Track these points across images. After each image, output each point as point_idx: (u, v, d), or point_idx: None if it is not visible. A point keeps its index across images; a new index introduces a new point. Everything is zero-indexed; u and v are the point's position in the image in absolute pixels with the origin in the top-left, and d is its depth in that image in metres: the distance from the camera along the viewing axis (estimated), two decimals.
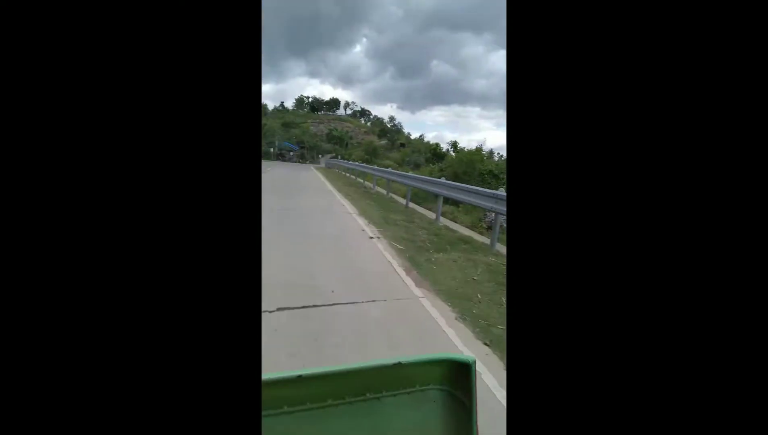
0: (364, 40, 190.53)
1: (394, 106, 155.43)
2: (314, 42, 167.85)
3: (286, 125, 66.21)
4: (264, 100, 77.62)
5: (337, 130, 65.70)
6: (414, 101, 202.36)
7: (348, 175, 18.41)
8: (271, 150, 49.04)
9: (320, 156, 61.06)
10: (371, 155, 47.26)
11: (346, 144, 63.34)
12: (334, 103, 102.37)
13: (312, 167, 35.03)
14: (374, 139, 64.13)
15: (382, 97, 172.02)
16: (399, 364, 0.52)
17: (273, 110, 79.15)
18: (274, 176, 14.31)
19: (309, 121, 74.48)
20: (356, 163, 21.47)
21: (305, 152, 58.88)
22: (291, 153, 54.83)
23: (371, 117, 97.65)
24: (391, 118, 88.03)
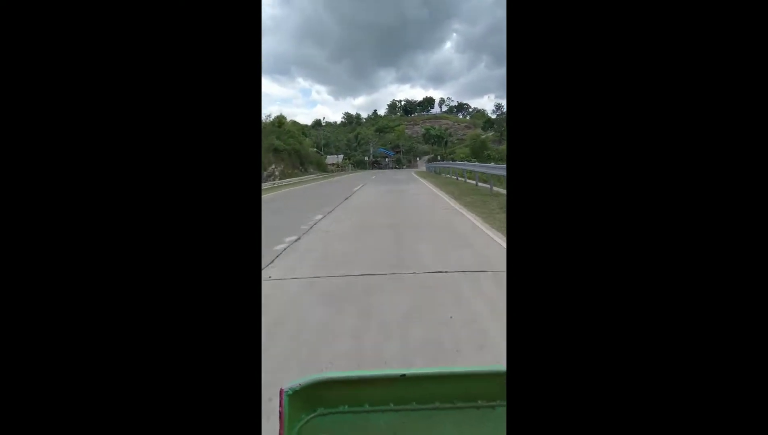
0: (454, 35, 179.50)
1: (492, 96, 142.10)
2: (402, 48, 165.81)
3: (380, 130, 62.37)
4: (357, 111, 76.76)
5: (434, 128, 59.16)
6: None
7: (451, 176, 15.80)
8: (366, 158, 44.93)
9: (418, 159, 56.29)
10: (479, 150, 38.95)
11: (446, 142, 56.35)
12: (428, 102, 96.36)
13: (412, 172, 29.16)
14: (478, 132, 55.24)
15: (478, 90, 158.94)
16: None
17: (366, 119, 77.59)
18: (368, 199, 8.95)
19: (403, 124, 69.70)
20: (458, 162, 19.66)
21: (401, 156, 54.38)
22: (387, 159, 50.45)
23: (470, 110, 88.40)
24: (498, 107, 76.93)
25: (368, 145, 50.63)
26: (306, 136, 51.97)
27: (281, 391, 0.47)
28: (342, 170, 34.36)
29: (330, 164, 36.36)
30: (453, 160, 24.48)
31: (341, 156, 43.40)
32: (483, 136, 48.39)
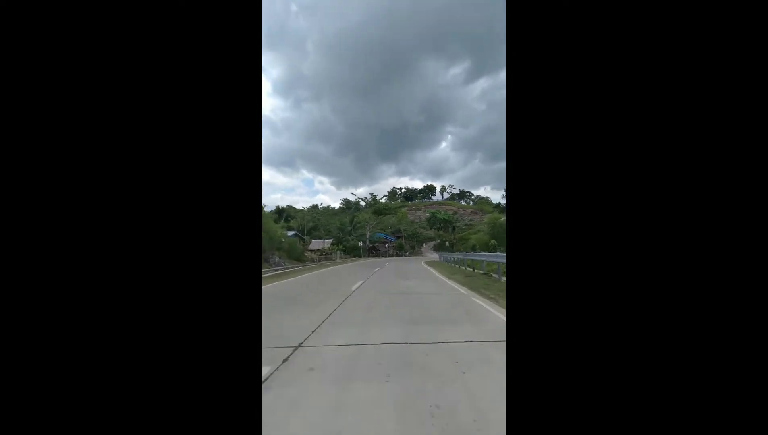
0: (449, 136, 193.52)
1: (489, 187, 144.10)
2: (402, 146, 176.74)
3: (378, 212, 55.89)
4: (357, 198, 72.66)
5: (440, 212, 52.92)
6: None
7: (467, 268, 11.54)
8: (360, 243, 36.77)
9: (423, 245, 49.50)
10: (501, 234, 31.30)
11: (453, 228, 49.72)
12: (429, 189, 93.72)
13: (422, 263, 20.83)
14: (496, 215, 48.60)
15: (475, 182, 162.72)
16: None
17: (365, 206, 72.98)
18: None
19: (405, 209, 64.34)
20: (487, 253, 14.32)
21: (403, 242, 47.07)
22: (387, 244, 42.46)
23: (473, 198, 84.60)
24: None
25: (365, 229, 43.10)
26: (290, 219, 45.14)
27: None
28: (326, 259, 25.40)
29: (312, 250, 28.10)
30: (468, 247, 16.86)
31: (329, 241, 35.34)
32: (502, 219, 41.52)
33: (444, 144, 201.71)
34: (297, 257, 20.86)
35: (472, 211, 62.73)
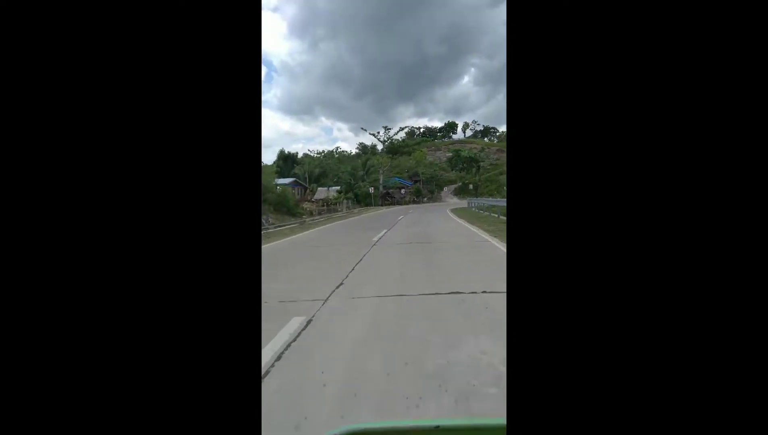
0: (472, 69, 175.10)
1: None
2: (421, 84, 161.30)
3: (394, 152, 50.27)
4: (373, 142, 66.06)
5: (464, 150, 47.14)
6: None
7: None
8: (371, 190, 32.50)
9: (444, 189, 44.77)
10: None
11: (478, 167, 44.45)
12: (450, 127, 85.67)
13: (448, 212, 16.67)
14: None
15: (499, 119, 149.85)
16: None
17: (382, 150, 66.95)
18: None
19: (424, 148, 58.27)
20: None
21: (421, 186, 41.48)
22: (402, 190, 37.71)
23: (497, 134, 76.66)
24: None
25: (378, 174, 38.59)
26: (296, 165, 40.88)
27: None
28: (329, 212, 21.42)
29: (314, 202, 24.27)
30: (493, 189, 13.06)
31: (335, 188, 31.33)
32: None
33: (466, 78, 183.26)
34: (290, 211, 17.12)
35: (497, 150, 56.33)
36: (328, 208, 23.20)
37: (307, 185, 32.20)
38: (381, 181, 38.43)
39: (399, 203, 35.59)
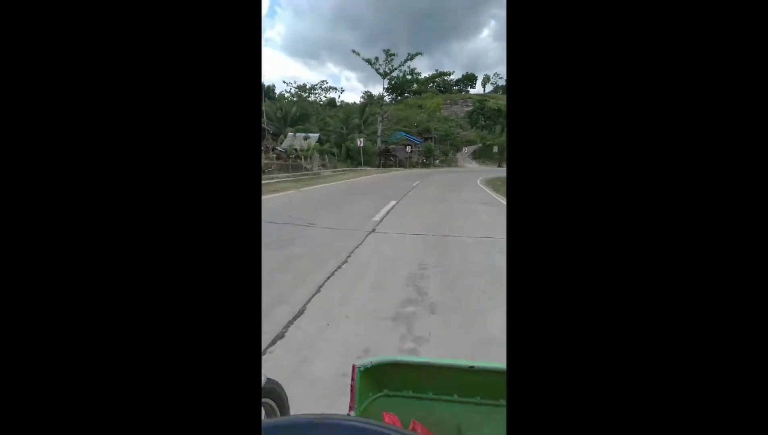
0: (492, 22, 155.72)
1: None
2: (437, 36, 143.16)
3: (397, 91, 40.10)
4: (381, 92, 54.81)
5: (489, 100, 37.60)
6: None
7: None
8: (360, 142, 23.70)
9: (464, 150, 35.61)
10: None
11: (503, 127, 35.46)
12: (468, 79, 74.17)
13: (487, 189, 8.44)
14: None
15: None
16: None
17: (390, 102, 56.37)
18: None
19: (438, 98, 48.06)
20: None
21: (433, 145, 31.77)
22: (408, 148, 28.12)
23: None
24: None
25: (376, 125, 29.57)
26: (269, 100, 31.72)
27: (354, 368, 0.48)
28: (290, 171, 13.14)
29: (278, 152, 16.04)
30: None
31: (315, 136, 22.58)
32: None
33: (486, 32, 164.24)
34: None
35: None
36: (293, 162, 15.02)
37: (278, 130, 23.63)
38: (379, 133, 29.37)
39: (402, 165, 27.00)
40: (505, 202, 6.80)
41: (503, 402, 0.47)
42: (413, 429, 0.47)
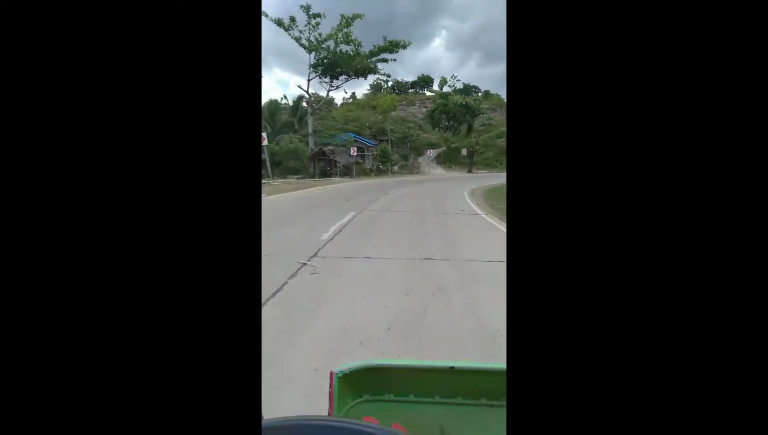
0: (444, 32, 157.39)
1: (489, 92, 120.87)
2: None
3: (332, 67, 31.82)
4: (331, 96, 48.23)
5: (453, 96, 32.29)
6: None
7: None
8: (284, 146, 16.55)
9: (428, 153, 29.68)
10: None
11: (470, 126, 30.28)
12: (424, 82, 69.73)
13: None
14: None
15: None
16: None
17: (342, 103, 50.05)
18: None
19: (393, 97, 42.28)
20: None
21: (389, 148, 25.24)
22: (353, 151, 20.52)
23: (480, 92, 62.46)
24: None
25: (307, 126, 22.20)
26: None
27: (331, 374, 0.48)
28: None
29: None
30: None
31: None
32: None
33: (437, 41, 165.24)
34: None
35: (490, 108, 42.30)
36: None
37: None
38: (311, 130, 21.83)
39: (347, 174, 20.12)
40: None
41: (485, 401, 0.48)
42: None
